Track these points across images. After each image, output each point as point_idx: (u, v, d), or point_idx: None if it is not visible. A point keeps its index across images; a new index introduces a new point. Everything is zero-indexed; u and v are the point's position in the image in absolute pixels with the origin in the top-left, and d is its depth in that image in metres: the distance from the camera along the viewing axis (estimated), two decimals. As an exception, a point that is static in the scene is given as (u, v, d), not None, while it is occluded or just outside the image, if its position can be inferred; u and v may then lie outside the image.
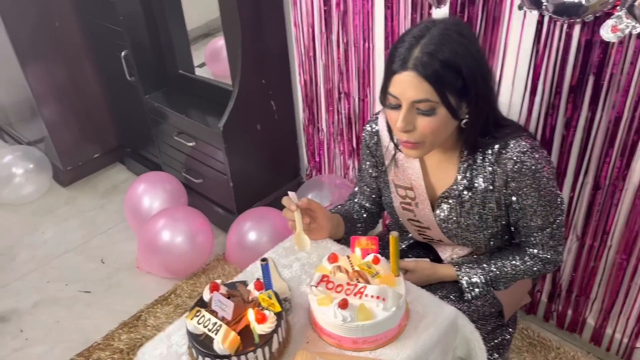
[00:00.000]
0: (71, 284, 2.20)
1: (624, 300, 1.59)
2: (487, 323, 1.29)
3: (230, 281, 1.11)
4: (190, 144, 2.25)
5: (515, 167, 1.09)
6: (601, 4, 1.21)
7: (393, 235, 1.04)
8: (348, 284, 1.04)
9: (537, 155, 1.09)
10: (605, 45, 1.29)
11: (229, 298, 1.00)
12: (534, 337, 1.80)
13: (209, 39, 2.41)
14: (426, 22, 1.05)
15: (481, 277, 1.24)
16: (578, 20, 1.27)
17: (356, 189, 1.43)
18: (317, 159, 2.40)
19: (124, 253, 2.33)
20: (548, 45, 1.39)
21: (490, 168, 1.13)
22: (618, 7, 1.20)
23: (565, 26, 1.33)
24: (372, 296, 1.00)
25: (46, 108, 2.59)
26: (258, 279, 1.05)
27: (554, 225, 1.17)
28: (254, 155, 2.26)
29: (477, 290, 1.25)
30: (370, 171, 1.35)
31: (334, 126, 2.20)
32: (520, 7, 1.35)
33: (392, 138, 1.22)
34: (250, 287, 1.06)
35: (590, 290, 1.65)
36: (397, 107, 1.05)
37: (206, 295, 1.04)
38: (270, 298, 0.99)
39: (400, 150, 1.22)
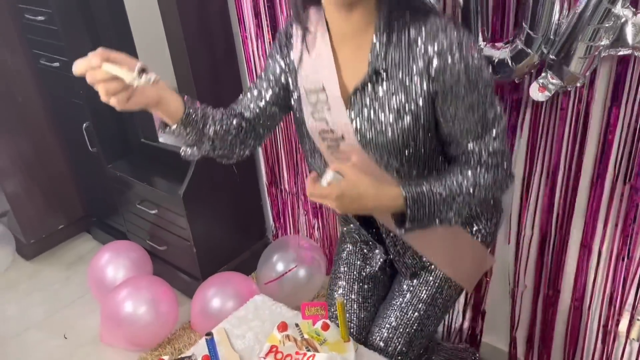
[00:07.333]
0: (32, 363, 2.13)
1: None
2: None
3: (179, 356, 1.10)
4: (153, 212, 2.25)
5: (437, 42, 0.96)
6: (527, 66, 1.28)
7: (339, 300, 1.05)
8: (297, 353, 1.04)
9: (461, 32, 0.97)
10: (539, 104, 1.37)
11: (176, 375, 0.99)
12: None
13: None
14: None
15: (425, 189, 1.02)
16: (509, 81, 1.35)
17: (244, 95, 1.21)
18: (282, 220, 2.41)
19: (87, 327, 2.27)
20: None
21: (408, 47, 0.99)
22: (544, 69, 1.27)
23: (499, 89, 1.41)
24: (320, 365, 1.00)
25: (8, 182, 2.58)
26: (206, 355, 1.05)
27: (496, 124, 1.02)
28: (218, 220, 2.27)
29: (420, 208, 1.01)
30: (280, 62, 1.15)
31: (297, 186, 2.24)
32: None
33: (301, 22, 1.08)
34: (199, 362, 1.05)
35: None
36: None
37: (153, 374, 1.03)
38: (217, 373, 0.99)
39: (306, 45, 1.08)
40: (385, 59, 1.00)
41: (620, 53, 1.16)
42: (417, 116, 1.00)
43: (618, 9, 1.13)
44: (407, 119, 1.01)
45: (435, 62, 0.96)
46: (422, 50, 0.97)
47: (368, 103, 1.03)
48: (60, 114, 2.57)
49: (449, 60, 0.95)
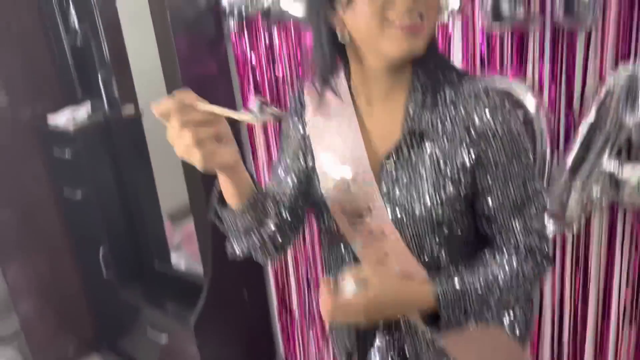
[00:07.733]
0: None
1: None
2: None
3: None
4: (163, 339, 2.25)
5: (478, 104, 0.89)
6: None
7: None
8: None
9: (499, 97, 0.91)
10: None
11: None
12: None
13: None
14: None
15: (459, 285, 0.91)
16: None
17: (272, 181, 1.07)
18: (292, 344, 2.39)
19: None
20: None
21: (446, 109, 0.91)
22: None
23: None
24: None
25: (22, 303, 2.60)
26: None
27: (535, 200, 0.92)
28: (227, 345, 2.26)
29: (456, 308, 0.90)
30: (297, 133, 1.03)
31: (307, 313, 2.24)
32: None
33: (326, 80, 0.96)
34: None
35: None
36: None
37: None
38: None
39: (327, 113, 0.98)
40: (421, 121, 0.92)
41: (611, 202, 1.23)
42: (458, 183, 0.91)
43: (605, 163, 1.22)
44: (448, 187, 0.91)
45: (477, 125, 0.89)
46: (463, 112, 0.90)
47: (403, 170, 0.93)
48: (77, 237, 2.66)
49: (492, 124, 0.88)
